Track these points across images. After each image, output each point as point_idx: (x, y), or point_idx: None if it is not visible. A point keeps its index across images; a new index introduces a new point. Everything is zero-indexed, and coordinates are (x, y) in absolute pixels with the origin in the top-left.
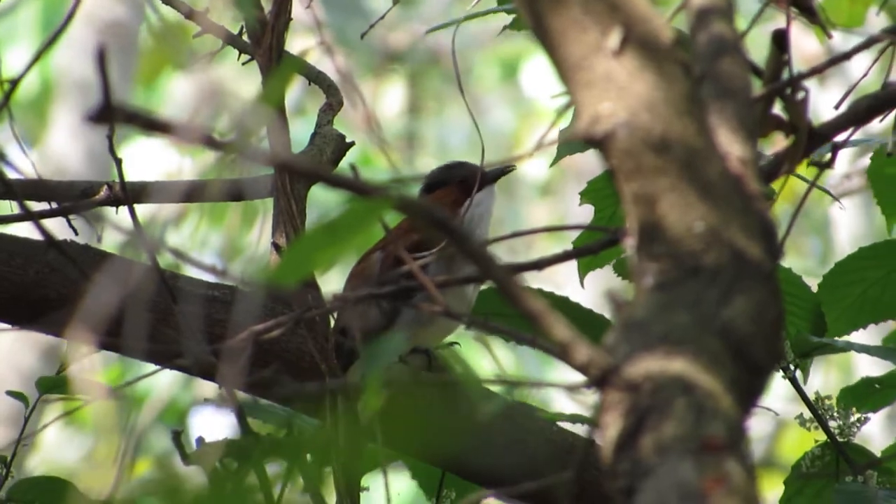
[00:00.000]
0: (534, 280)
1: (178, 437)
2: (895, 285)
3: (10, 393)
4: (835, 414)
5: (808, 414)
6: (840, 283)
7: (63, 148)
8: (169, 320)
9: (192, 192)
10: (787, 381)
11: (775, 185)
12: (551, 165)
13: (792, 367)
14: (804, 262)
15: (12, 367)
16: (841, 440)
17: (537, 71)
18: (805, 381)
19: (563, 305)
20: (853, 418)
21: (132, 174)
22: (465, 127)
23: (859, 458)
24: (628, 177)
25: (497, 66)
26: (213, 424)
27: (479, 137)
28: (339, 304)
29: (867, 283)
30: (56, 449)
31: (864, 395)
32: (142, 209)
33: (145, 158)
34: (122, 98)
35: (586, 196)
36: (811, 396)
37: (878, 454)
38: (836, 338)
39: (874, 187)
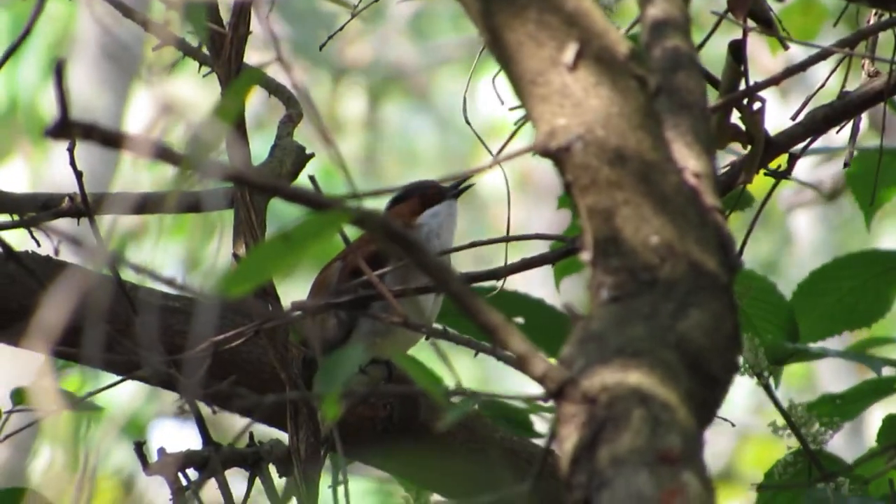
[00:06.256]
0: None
1: (141, 447)
2: (870, 294)
3: None
4: (807, 422)
5: (780, 421)
6: (815, 292)
7: (60, 168)
8: (128, 331)
9: (150, 204)
10: (748, 392)
11: (732, 197)
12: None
13: (766, 374)
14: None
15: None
16: (813, 447)
17: (492, 87)
18: (777, 388)
19: (538, 308)
20: (817, 427)
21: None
22: (426, 140)
23: (831, 466)
24: (584, 191)
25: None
26: (175, 436)
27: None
28: (298, 314)
29: (842, 292)
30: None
31: (827, 412)
32: (103, 220)
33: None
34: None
35: (565, 202)
36: (784, 404)
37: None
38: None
39: (854, 190)
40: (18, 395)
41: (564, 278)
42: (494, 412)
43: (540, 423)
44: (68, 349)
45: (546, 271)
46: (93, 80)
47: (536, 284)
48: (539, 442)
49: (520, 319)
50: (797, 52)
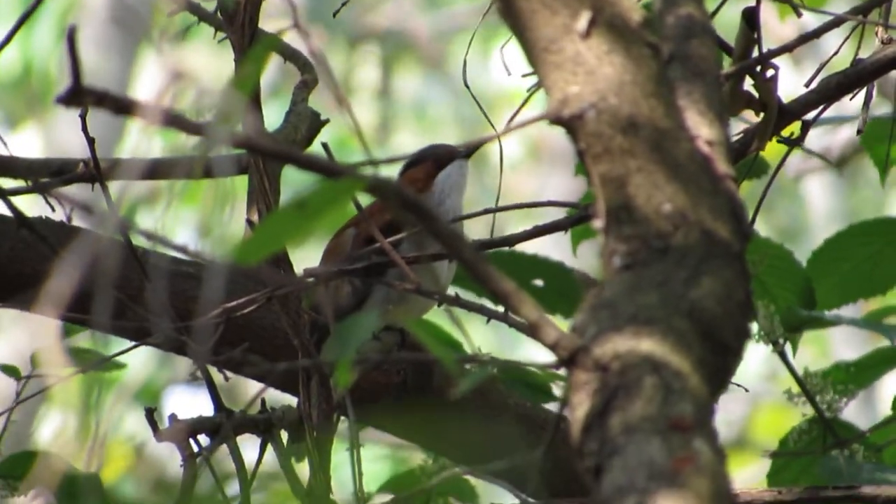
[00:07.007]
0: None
1: (151, 414)
2: (886, 261)
3: (2, 367)
4: (822, 389)
5: (795, 388)
6: (830, 259)
7: (68, 136)
8: (140, 297)
9: (162, 170)
10: (761, 360)
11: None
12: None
13: (781, 341)
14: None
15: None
16: (828, 415)
17: (507, 54)
18: (794, 355)
19: (559, 271)
20: (831, 394)
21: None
22: (440, 106)
23: (846, 434)
24: (596, 159)
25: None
26: (188, 402)
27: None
28: (310, 281)
29: (858, 259)
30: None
31: (840, 379)
32: (116, 186)
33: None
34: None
35: (581, 169)
36: (799, 371)
37: None
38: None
39: (873, 154)
40: (35, 360)
41: (581, 244)
42: (511, 376)
43: (558, 388)
44: (79, 315)
45: (558, 239)
46: (100, 46)
47: (549, 251)
48: (552, 408)
49: (539, 282)
50: (810, 20)
